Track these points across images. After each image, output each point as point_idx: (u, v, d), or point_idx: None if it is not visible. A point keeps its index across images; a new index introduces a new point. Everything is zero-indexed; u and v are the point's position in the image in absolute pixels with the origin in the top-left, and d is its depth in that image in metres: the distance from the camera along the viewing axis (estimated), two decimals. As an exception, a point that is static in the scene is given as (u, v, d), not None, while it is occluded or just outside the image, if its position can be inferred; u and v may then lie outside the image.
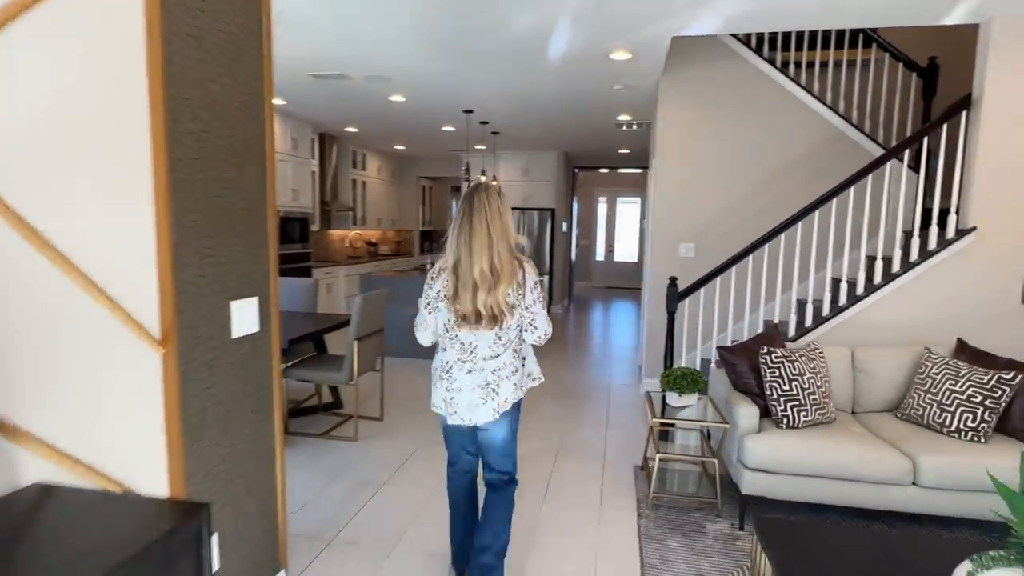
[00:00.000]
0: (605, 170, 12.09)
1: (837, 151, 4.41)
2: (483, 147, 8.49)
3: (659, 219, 4.78)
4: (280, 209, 6.37)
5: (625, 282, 12.94)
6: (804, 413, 2.77)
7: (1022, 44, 3.20)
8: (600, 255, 13.12)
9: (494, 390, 1.97)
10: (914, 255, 3.46)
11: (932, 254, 3.41)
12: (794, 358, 2.86)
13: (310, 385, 4.69)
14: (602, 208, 12.98)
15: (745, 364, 2.99)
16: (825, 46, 4.65)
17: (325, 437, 3.75)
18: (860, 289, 3.54)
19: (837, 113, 4.39)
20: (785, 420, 2.77)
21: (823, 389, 2.87)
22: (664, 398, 3.17)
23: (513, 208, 9.55)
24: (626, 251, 12.99)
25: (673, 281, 3.78)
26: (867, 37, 4.42)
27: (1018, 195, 3.29)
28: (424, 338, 2.07)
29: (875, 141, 4.36)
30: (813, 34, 4.64)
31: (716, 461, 2.81)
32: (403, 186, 10.59)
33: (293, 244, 6.72)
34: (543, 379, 2.19)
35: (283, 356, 3.89)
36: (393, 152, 9.66)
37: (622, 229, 12.99)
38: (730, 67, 4.51)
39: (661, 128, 4.69)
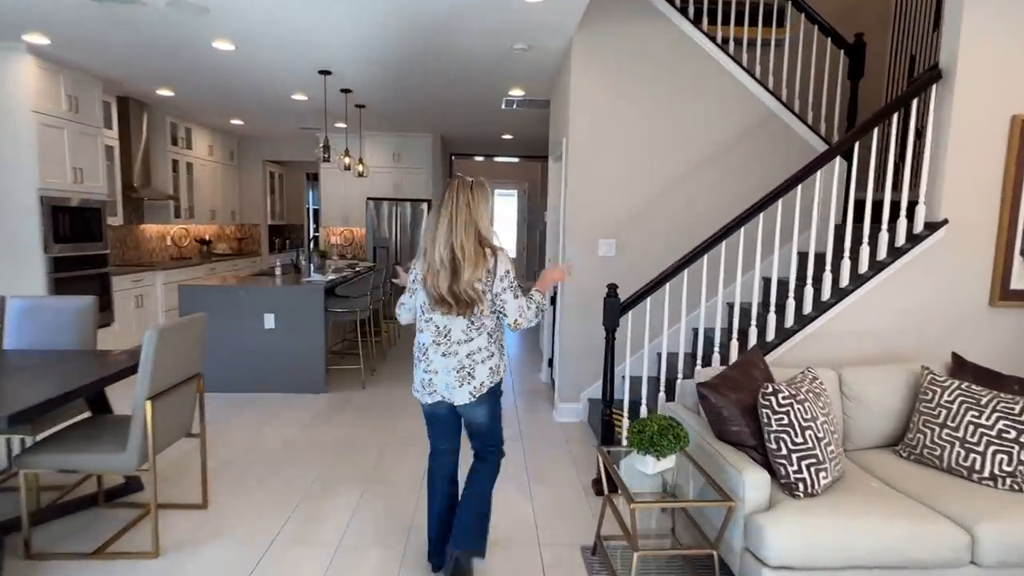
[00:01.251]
0: (481, 158, 11.18)
1: (769, 134, 3.88)
2: (344, 125, 7.11)
3: (573, 212, 3.93)
4: (50, 194, 4.54)
5: (505, 280, 12.19)
6: (823, 473, 2.04)
7: (1001, 2, 2.77)
8: (478, 251, 12.22)
9: (470, 374, 2.02)
10: (882, 253, 2.95)
11: (902, 252, 2.92)
12: (802, 397, 2.12)
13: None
14: (479, 201, 12.06)
15: (734, 406, 2.20)
16: (753, 22, 4.11)
17: (102, 556, 2.32)
18: (826, 294, 2.96)
19: (768, 90, 3.85)
20: (801, 485, 2.01)
21: (837, 436, 2.17)
22: (625, 458, 2.29)
23: (383, 199, 8.31)
24: (505, 247, 12.22)
25: (612, 290, 2.93)
26: (796, 6, 3.92)
27: (993, 182, 2.88)
28: (403, 319, 2.18)
29: (806, 124, 3.89)
30: (741, 8, 4.06)
31: (715, 553, 1.98)
32: (246, 171, 8.74)
33: (81, 243, 4.88)
34: (502, 375, 2.13)
35: (26, 428, 2.41)
36: (230, 128, 7.83)
37: (501, 224, 12.20)
38: (655, 32, 3.77)
39: (574, 102, 3.83)
